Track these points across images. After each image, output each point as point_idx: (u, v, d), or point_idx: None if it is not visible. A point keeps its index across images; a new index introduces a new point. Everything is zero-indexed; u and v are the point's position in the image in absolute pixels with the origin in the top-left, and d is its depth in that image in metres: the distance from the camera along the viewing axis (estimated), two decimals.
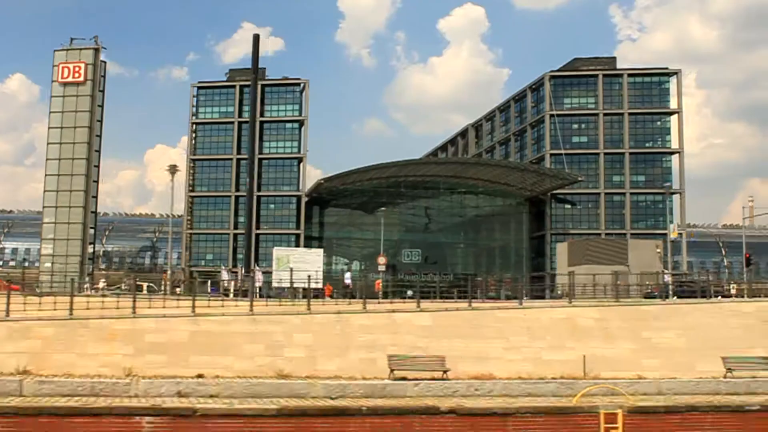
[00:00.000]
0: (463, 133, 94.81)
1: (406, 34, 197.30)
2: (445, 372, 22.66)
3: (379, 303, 26.29)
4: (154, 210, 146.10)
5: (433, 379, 22.35)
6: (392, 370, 22.37)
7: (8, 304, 21.51)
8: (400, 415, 16.05)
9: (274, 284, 46.51)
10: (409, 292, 40.90)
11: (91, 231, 75.33)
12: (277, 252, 57.86)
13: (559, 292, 39.77)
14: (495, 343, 24.37)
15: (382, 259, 44.95)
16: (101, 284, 44.51)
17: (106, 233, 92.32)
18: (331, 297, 40.70)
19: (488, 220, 79.79)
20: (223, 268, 68.46)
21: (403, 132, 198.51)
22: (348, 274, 35.68)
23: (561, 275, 40.68)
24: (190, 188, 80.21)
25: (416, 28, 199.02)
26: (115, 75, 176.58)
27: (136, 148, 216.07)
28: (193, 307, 22.85)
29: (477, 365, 23.50)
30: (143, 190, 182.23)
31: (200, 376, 21.03)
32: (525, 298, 39.79)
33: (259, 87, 79.38)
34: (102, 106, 76.24)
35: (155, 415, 14.95)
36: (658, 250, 41.96)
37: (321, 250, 55.57)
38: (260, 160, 78.00)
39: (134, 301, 22.51)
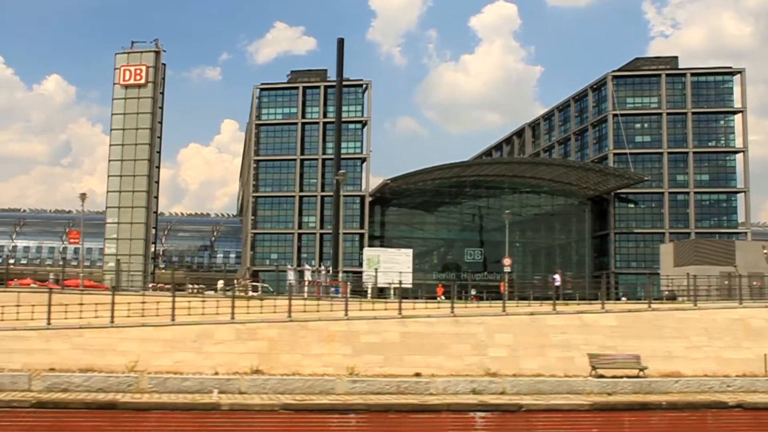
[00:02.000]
0: (519, 132, 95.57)
1: (438, 31, 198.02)
2: (641, 370, 23.55)
3: (567, 304, 27.16)
4: (188, 209, 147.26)
5: (627, 377, 23.21)
6: (594, 368, 23.27)
7: (233, 307, 22.48)
8: (694, 410, 17.01)
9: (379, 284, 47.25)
10: (473, 291, 42.05)
11: (153, 231, 76.91)
12: (368, 253, 59.17)
13: (665, 294, 40.50)
14: (677, 343, 25.27)
15: (507, 261, 45.48)
16: (220, 284, 45.25)
17: (165, 233, 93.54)
18: (445, 297, 41.46)
19: (550, 219, 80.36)
20: (289, 267, 69.47)
21: (436, 130, 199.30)
22: (557, 276, 36.41)
23: (665, 277, 41.31)
24: (254, 189, 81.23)
25: (448, 26, 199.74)
26: None
27: (169, 148, 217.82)
28: (400, 309, 23.80)
29: (665, 363, 24.42)
30: (177, 189, 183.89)
31: (417, 374, 21.97)
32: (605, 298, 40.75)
33: (322, 88, 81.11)
34: (162, 108, 77.62)
35: (486, 411, 15.92)
36: (765, 251, 42.63)
37: (410, 251, 56.41)
38: (323, 160, 79.32)
39: (347, 304, 23.47)
